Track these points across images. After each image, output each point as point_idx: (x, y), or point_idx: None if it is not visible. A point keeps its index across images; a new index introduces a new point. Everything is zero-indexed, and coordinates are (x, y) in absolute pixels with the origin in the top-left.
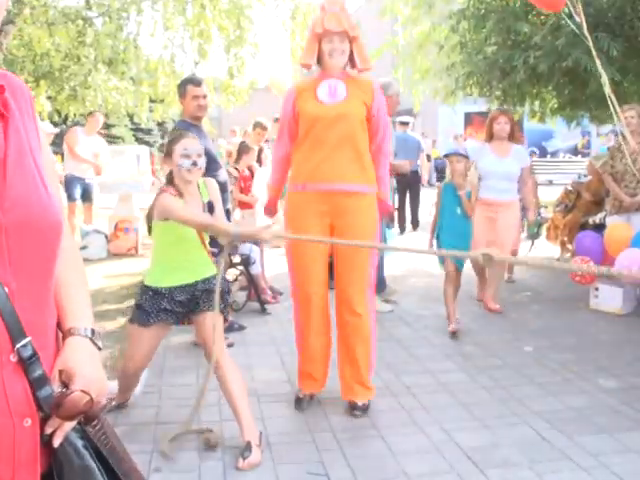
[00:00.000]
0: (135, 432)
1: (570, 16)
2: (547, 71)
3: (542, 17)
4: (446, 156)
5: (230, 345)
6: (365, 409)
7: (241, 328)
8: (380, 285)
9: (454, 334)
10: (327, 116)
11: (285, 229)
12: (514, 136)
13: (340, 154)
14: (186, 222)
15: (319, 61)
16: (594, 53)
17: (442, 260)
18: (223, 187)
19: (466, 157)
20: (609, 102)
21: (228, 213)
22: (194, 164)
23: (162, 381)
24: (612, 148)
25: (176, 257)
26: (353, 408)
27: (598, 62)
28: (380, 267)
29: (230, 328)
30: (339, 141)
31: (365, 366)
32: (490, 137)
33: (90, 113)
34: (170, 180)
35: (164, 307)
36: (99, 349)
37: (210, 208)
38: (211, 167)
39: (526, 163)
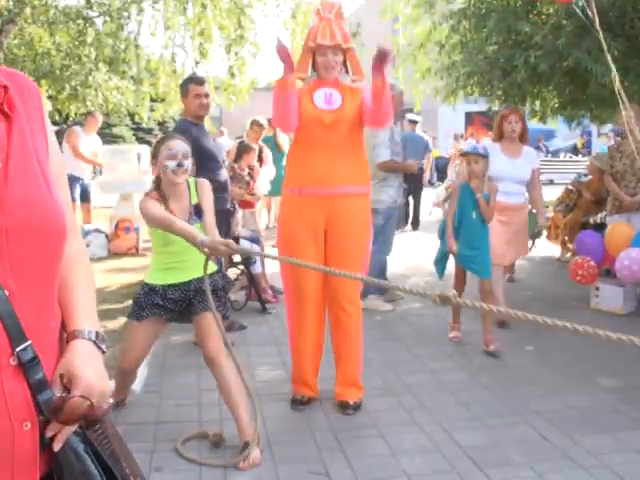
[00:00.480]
0: (135, 432)
1: (583, 10)
2: (548, 71)
3: (543, 17)
4: (464, 155)
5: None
6: (357, 407)
7: (242, 327)
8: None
9: (455, 340)
10: (323, 121)
11: (278, 233)
12: (524, 136)
13: (335, 158)
14: (160, 225)
15: (314, 68)
16: (604, 47)
17: (442, 270)
18: (224, 187)
19: (485, 157)
20: (618, 96)
21: (228, 213)
22: (179, 165)
23: (162, 380)
24: (611, 148)
25: (169, 257)
26: (345, 407)
27: (608, 56)
28: (383, 268)
29: (231, 327)
30: (334, 146)
31: (357, 365)
32: (500, 136)
33: (89, 112)
34: (157, 185)
35: (156, 302)
36: (103, 352)
37: (197, 212)
38: (212, 166)
39: (536, 165)
